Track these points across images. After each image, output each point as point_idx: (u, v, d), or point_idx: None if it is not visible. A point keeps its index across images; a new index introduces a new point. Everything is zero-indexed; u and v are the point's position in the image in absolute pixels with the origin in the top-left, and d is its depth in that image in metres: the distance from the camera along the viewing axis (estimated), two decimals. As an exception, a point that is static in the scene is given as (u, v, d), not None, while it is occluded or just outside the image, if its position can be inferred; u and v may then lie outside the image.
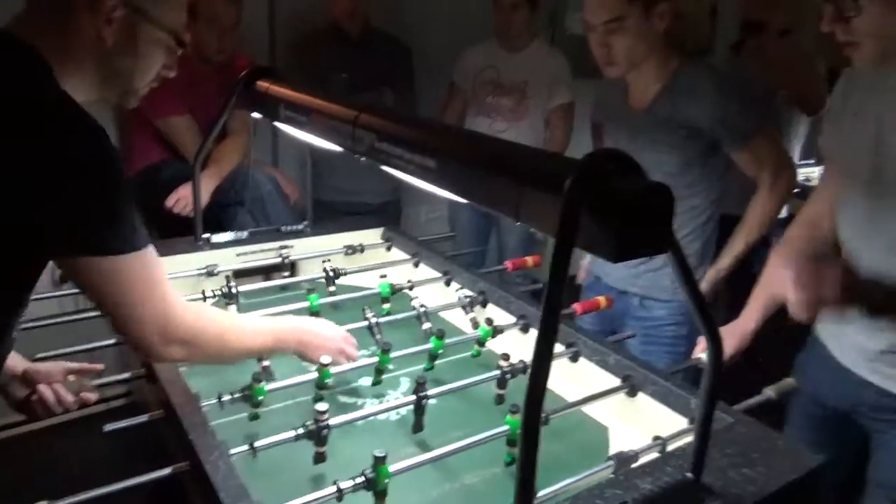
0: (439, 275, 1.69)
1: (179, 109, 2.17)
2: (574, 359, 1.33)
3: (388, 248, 1.89)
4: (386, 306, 1.51)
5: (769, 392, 1.19)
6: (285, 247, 1.74)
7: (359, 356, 1.26)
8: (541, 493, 0.89)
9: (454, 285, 1.66)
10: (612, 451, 1.05)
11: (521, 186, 0.76)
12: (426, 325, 1.44)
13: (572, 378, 1.31)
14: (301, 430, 0.98)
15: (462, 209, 2.83)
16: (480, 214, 2.77)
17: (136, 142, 2.27)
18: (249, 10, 2.33)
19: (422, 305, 1.47)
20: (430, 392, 1.11)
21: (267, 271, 1.68)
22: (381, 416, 1.16)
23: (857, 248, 1.29)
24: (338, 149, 1.17)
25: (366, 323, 1.39)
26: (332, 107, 1.18)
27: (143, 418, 1.04)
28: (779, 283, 1.14)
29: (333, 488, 0.87)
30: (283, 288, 1.63)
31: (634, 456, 0.99)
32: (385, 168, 1.03)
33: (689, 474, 0.90)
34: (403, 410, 1.17)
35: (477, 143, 0.93)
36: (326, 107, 1.20)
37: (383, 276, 1.57)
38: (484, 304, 1.55)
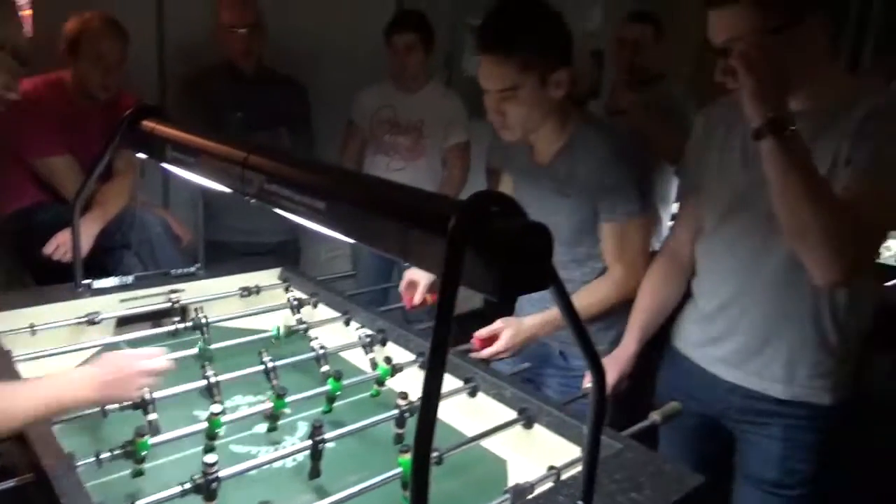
0: (338, 314, 1.68)
1: (59, 149, 2.05)
2: (472, 394, 1.35)
3: (287, 289, 1.85)
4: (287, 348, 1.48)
5: (655, 416, 1.25)
6: (175, 291, 1.67)
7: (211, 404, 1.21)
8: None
9: (354, 325, 1.65)
10: (511, 483, 1.07)
11: (407, 227, 0.78)
12: (325, 368, 1.42)
13: (471, 413, 1.32)
14: (188, 485, 0.93)
15: (363, 247, 2.82)
16: (382, 252, 2.78)
17: (10, 183, 2.12)
18: (137, 45, 2.26)
19: (321, 347, 1.45)
20: (326, 436, 1.09)
21: (155, 317, 1.61)
22: (277, 464, 1.11)
23: (716, 271, 1.40)
24: (227, 190, 1.15)
25: (262, 367, 1.35)
26: (221, 148, 1.16)
27: (9, 483, 0.95)
28: None
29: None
30: (173, 334, 1.56)
31: (530, 487, 1.01)
32: (276, 210, 1.02)
33: (580, 502, 0.92)
34: (300, 456, 1.14)
35: (365, 184, 0.95)
36: (215, 148, 1.17)
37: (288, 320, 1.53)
38: (383, 343, 1.55)
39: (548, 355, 1.74)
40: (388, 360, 1.40)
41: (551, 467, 1.08)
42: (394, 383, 1.41)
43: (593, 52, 4.64)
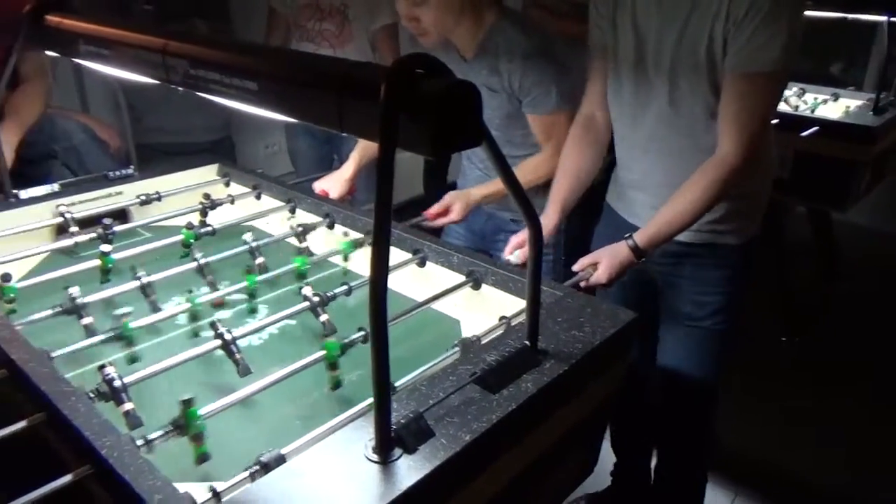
0: (282, 203, 1.69)
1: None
2: (422, 264, 1.41)
3: (227, 184, 1.84)
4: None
5: (590, 269, 1.36)
6: (112, 194, 1.65)
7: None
8: (398, 383, 0.98)
9: (300, 213, 1.67)
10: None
11: (340, 98, 0.79)
12: (304, 244, 1.49)
13: (422, 282, 1.39)
14: (92, 392, 0.92)
15: (300, 138, 2.78)
16: (320, 141, 2.74)
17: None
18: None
19: (299, 225, 1.51)
20: (236, 333, 1.07)
21: (94, 223, 1.59)
22: (243, 343, 1.10)
23: (622, 128, 1.48)
24: (151, 81, 1.12)
25: (247, 247, 1.41)
26: (138, 36, 1.11)
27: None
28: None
29: (141, 440, 0.84)
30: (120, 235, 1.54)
31: (477, 339, 1.09)
32: (204, 95, 1.01)
33: (526, 342, 1.02)
34: (265, 334, 1.21)
35: (295, 60, 0.94)
36: (131, 37, 1.13)
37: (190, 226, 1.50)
38: (331, 227, 1.59)
39: (499, 224, 1.85)
40: (346, 234, 1.45)
41: (502, 317, 1.17)
42: (351, 263, 1.47)
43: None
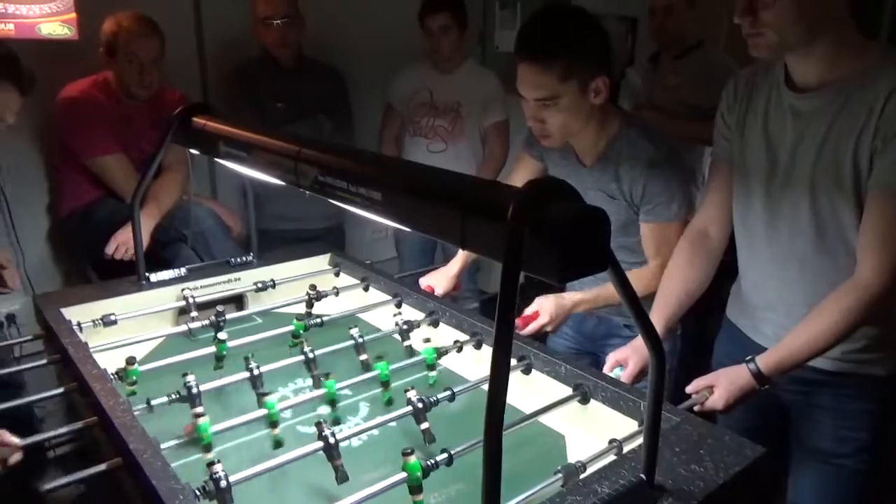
0: (389, 297, 1.72)
1: (111, 148, 2.13)
2: (527, 371, 1.37)
3: (337, 274, 1.90)
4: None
5: (705, 391, 1.27)
6: (232, 280, 1.74)
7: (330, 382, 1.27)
8: (503, 508, 0.92)
9: (405, 307, 1.68)
10: (570, 457, 1.09)
11: (464, 216, 0.79)
12: (407, 342, 1.49)
13: (526, 390, 1.35)
14: (198, 489, 0.91)
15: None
16: (425, 233, 2.81)
17: (67, 183, 2.21)
18: (177, 41, 2.31)
19: (405, 322, 1.52)
20: (339, 435, 1.05)
21: (212, 306, 1.66)
22: (344, 444, 1.09)
23: (750, 244, 1.39)
24: (281, 183, 1.19)
25: (352, 342, 1.43)
26: (273, 142, 1.19)
27: (100, 468, 1.01)
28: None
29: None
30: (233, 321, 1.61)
31: (582, 466, 1.02)
32: (331, 201, 1.05)
33: (642, 475, 0.94)
34: (365, 436, 1.19)
35: (420, 174, 0.96)
36: (267, 143, 1.20)
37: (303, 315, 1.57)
38: (435, 325, 1.58)
39: (611, 329, 1.78)
40: (426, 340, 1.45)
41: (612, 440, 1.09)
42: (452, 363, 1.44)
43: (626, 19, 4.54)
